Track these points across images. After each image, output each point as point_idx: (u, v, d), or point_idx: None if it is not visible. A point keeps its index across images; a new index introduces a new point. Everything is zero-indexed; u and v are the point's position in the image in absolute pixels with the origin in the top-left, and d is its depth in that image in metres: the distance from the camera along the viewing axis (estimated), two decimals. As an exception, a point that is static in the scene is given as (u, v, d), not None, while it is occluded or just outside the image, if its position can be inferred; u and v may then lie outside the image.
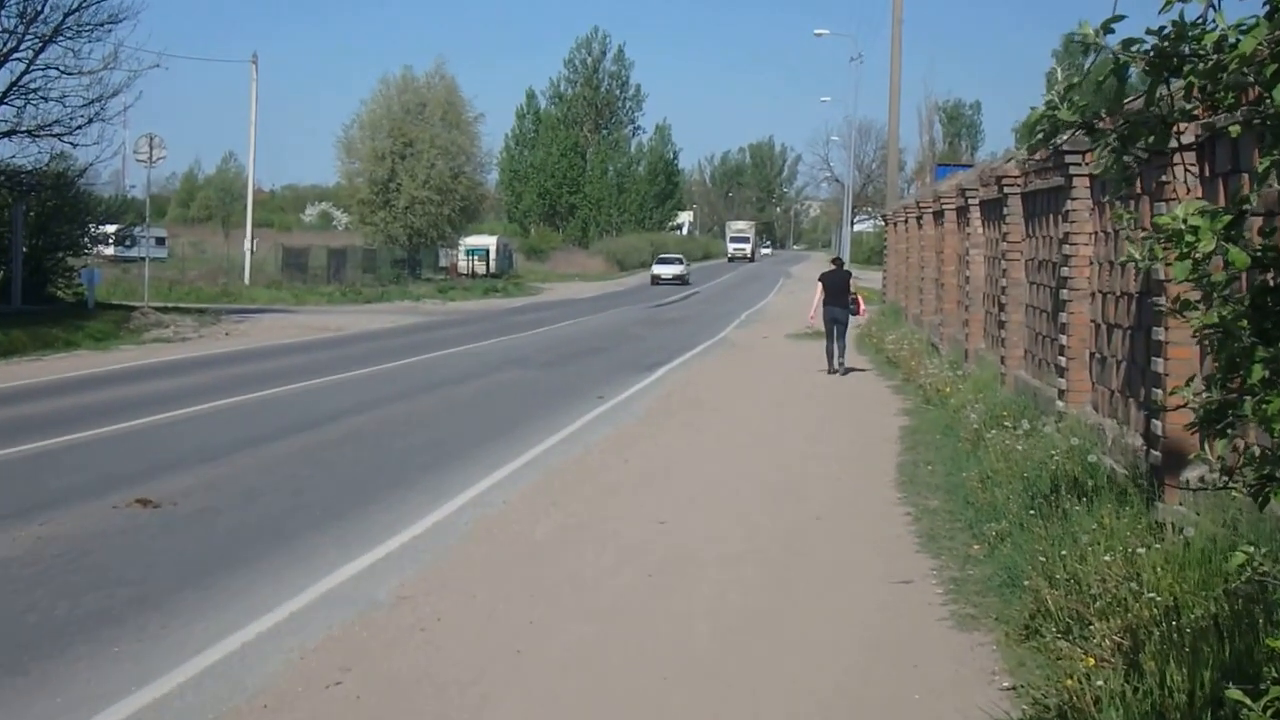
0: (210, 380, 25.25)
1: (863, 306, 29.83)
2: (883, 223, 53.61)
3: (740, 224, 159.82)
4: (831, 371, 27.45)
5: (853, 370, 28.10)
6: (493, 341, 36.19)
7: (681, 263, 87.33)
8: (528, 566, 11.04)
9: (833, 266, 29.07)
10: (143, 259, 47.45)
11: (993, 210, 20.76)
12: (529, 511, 13.28)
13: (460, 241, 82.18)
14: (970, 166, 34.29)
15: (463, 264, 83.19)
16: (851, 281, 28.71)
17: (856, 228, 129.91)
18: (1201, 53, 4.23)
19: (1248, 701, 4.57)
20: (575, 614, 9.64)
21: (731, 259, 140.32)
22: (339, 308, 54.02)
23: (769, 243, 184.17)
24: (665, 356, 31.48)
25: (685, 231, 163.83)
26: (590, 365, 29.47)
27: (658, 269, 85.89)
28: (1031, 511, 10.69)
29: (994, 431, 14.56)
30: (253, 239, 65.18)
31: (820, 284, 28.66)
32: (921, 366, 23.89)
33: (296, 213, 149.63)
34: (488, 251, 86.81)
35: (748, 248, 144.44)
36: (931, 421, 19.19)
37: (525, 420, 20.06)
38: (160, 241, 79.93)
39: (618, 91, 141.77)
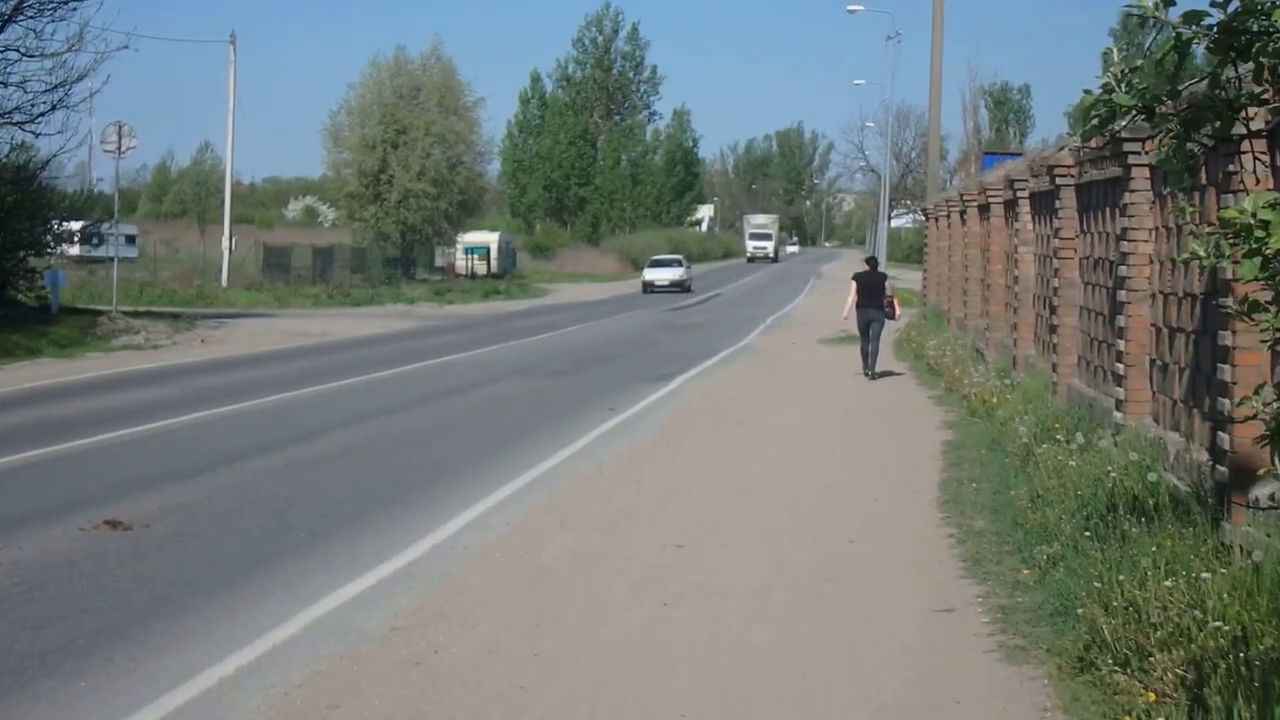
0: (184, 392, 25.32)
1: (898, 309, 30.75)
2: (923, 217, 53.43)
3: (761, 218, 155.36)
4: (867, 374, 28.48)
5: (888, 374, 28.97)
6: (494, 348, 36.30)
7: (681, 265, 78.28)
8: (533, 595, 11.05)
9: (867, 267, 30.11)
10: (111, 259, 47.61)
11: (1043, 203, 20.74)
12: (534, 534, 13.31)
13: (458, 239, 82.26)
14: (1019, 155, 34.10)
15: (461, 263, 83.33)
16: (887, 284, 29.59)
17: (894, 223, 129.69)
18: (1272, 30, 4.22)
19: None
20: (585, 648, 9.65)
21: (751, 259, 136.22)
22: (325, 311, 54.17)
23: (795, 239, 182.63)
24: (683, 365, 31.53)
25: (705, 227, 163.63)
26: (601, 374, 29.56)
27: (651, 274, 77.23)
28: (1086, 533, 10.68)
29: (1045, 446, 14.53)
30: (231, 237, 65.31)
31: (854, 284, 29.64)
32: (965, 375, 23.89)
33: (279, 208, 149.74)
34: (488, 250, 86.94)
35: (769, 245, 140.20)
36: (977, 435, 19.19)
37: (530, 435, 20.12)
38: (130, 240, 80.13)
39: (631, 74, 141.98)
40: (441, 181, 75.82)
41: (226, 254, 64.21)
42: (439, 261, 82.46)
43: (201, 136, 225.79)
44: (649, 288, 74.97)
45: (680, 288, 75.06)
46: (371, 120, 76.26)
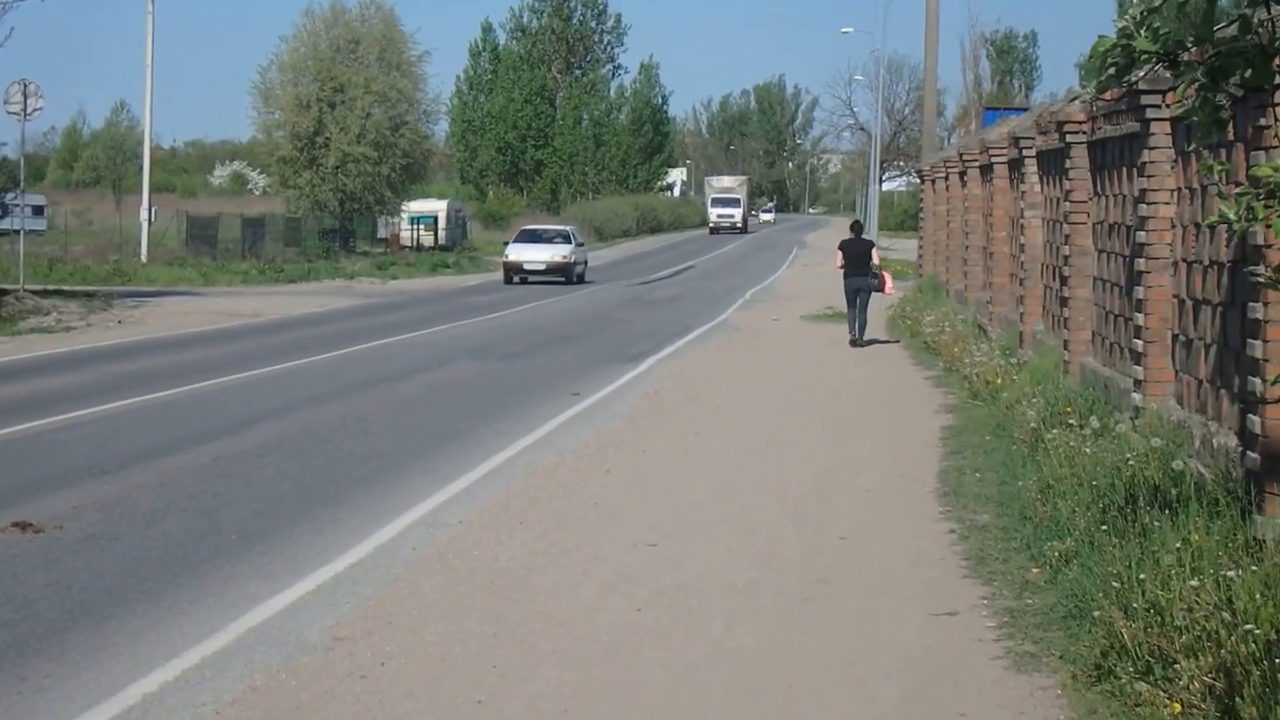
0: (101, 378, 25.25)
1: (889, 283, 32.64)
2: (918, 180, 53.67)
3: (725, 180, 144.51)
4: (854, 343, 30.66)
5: (875, 342, 31.23)
6: (444, 328, 36.35)
7: (567, 242, 59.44)
8: (490, 599, 11.05)
9: (852, 234, 32.35)
10: (17, 232, 47.35)
11: (1053, 163, 20.80)
12: (491, 533, 13.34)
13: (403, 207, 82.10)
14: (1025, 110, 34.38)
15: (406, 234, 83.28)
16: (874, 252, 31.94)
17: (886, 186, 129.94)
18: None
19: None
20: (548, 657, 9.65)
21: (715, 230, 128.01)
22: (256, 289, 54.03)
23: (771, 205, 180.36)
24: (654, 344, 31.67)
25: (677, 192, 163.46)
26: (563, 356, 29.64)
27: (518, 252, 58.47)
28: (1103, 527, 10.73)
29: (1056, 431, 14.60)
30: (150, 207, 65.07)
31: (840, 252, 31.87)
32: (967, 353, 23.94)
33: (203, 175, 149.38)
34: (436, 219, 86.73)
35: (736, 214, 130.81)
36: (980, 420, 19.29)
37: (485, 423, 20.20)
38: (38, 211, 79.78)
39: (593, 23, 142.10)
40: (383, 144, 75.64)
41: (146, 226, 63.95)
42: (381, 232, 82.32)
43: (116, 96, 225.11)
44: (513, 275, 57.80)
45: (564, 275, 57.60)
46: (306, 77, 76.09)
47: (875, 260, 31.70)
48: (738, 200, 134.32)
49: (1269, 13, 4.48)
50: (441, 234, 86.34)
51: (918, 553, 12.47)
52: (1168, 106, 13.65)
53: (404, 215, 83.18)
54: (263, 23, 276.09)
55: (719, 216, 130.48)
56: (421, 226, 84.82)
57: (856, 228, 33.04)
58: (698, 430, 19.57)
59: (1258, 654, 7.50)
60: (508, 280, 57.68)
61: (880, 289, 31.80)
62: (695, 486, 15.61)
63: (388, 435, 19.29)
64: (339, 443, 18.57)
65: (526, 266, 57.73)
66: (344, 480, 15.91)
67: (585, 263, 62.06)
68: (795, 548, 12.80)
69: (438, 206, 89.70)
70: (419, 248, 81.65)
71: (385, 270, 65.47)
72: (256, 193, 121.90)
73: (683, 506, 14.54)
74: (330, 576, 11.66)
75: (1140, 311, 14.27)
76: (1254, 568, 8.57)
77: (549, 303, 47.02)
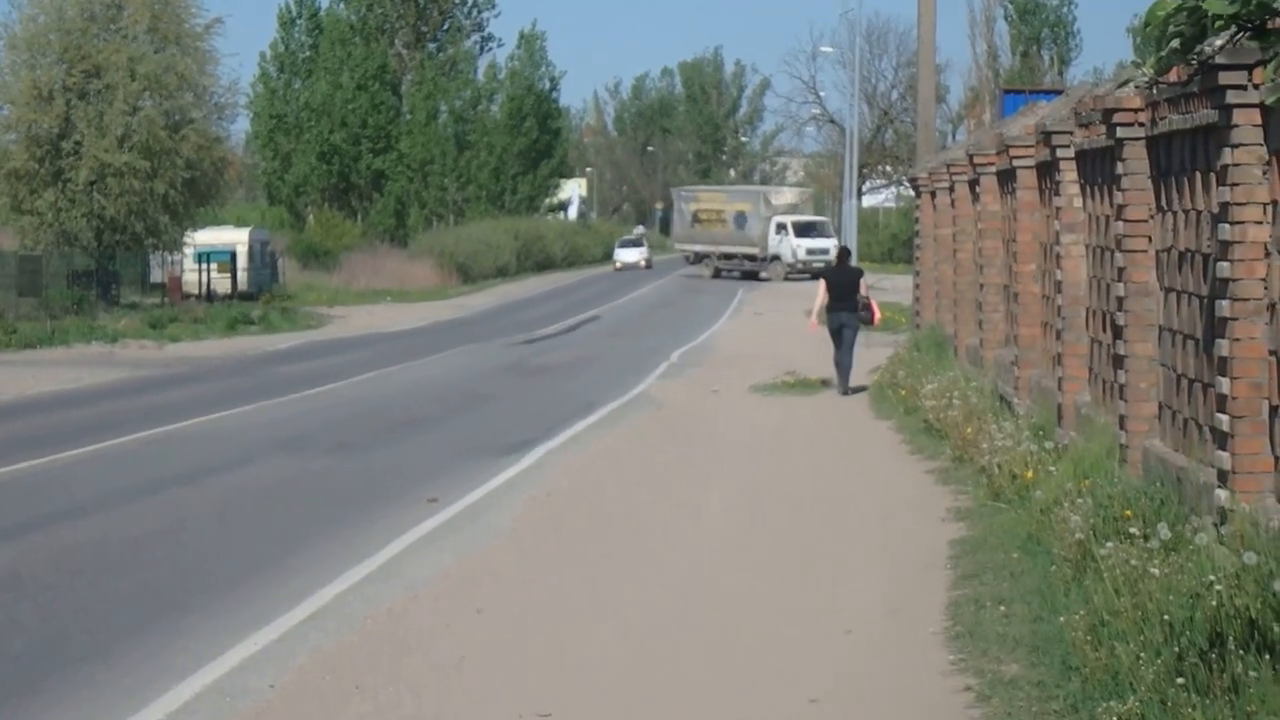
0: None
1: (876, 311, 36.83)
2: (911, 191, 53.62)
3: (788, 195, 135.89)
4: (840, 389, 34.93)
5: (862, 389, 34.94)
6: (247, 410, 36.17)
7: None
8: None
9: (837, 262, 37.04)
10: None
11: (1099, 168, 20.74)
12: (315, 704, 13.31)
13: (187, 240, 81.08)
14: (1059, 94, 34.10)
15: (191, 277, 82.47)
16: (863, 281, 35.76)
17: (868, 200, 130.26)
18: None
19: None
20: None
21: (619, 269, 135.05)
22: (-24, 358, 53.66)
23: (640, 232, 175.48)
24: (543, 429, 31.40)
25: (573, 213, 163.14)
26: (414, 447, 29.80)
27: None
28: (1179, 680, 10.73)
29: (1111, 544, 14.57)
30: None
31: (823, 282, 35.84)
32: (984, 436, 23.65)
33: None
34: (234, 256, 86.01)
35: (641, 254, 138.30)
36: (1003, 530, 19.17)
37: (303, 546, 20.28)
38: None
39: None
40: (157, 150, 74.37)
41: None
42: (157, 275, 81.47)
43: None
44: None
45: None
46: (46, 58, 75.24)
47: (864, 291, 35.43)
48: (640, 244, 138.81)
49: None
50: (242, 276, 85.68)
51: (919, 722, 12.29)
52: (1255, 88, 13.64)
53: (188, 251, 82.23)
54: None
55: (624, 258, 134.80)
56: (213, 266, 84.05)
57: (843, 254, 38.44)
58: (606, 551, 19.57)
59: None
60: None
61: (870, 321, 36.09)
62: (603, 633, 15.60)
63: (165, 565, 19.26)
64: (96, 577, 18.49)
65: None
66: (104, 629, 15.86)
67: None
68: (746, 718, 12.75)
69: (236, 238, 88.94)
70: (210, 296, 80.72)
71: (162, 329, 64.85)
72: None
73: (585, 662, 14.50)
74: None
75: (1225, 375, 14.20)
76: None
77: (399, 370, 47.06)
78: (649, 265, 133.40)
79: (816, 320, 36.33)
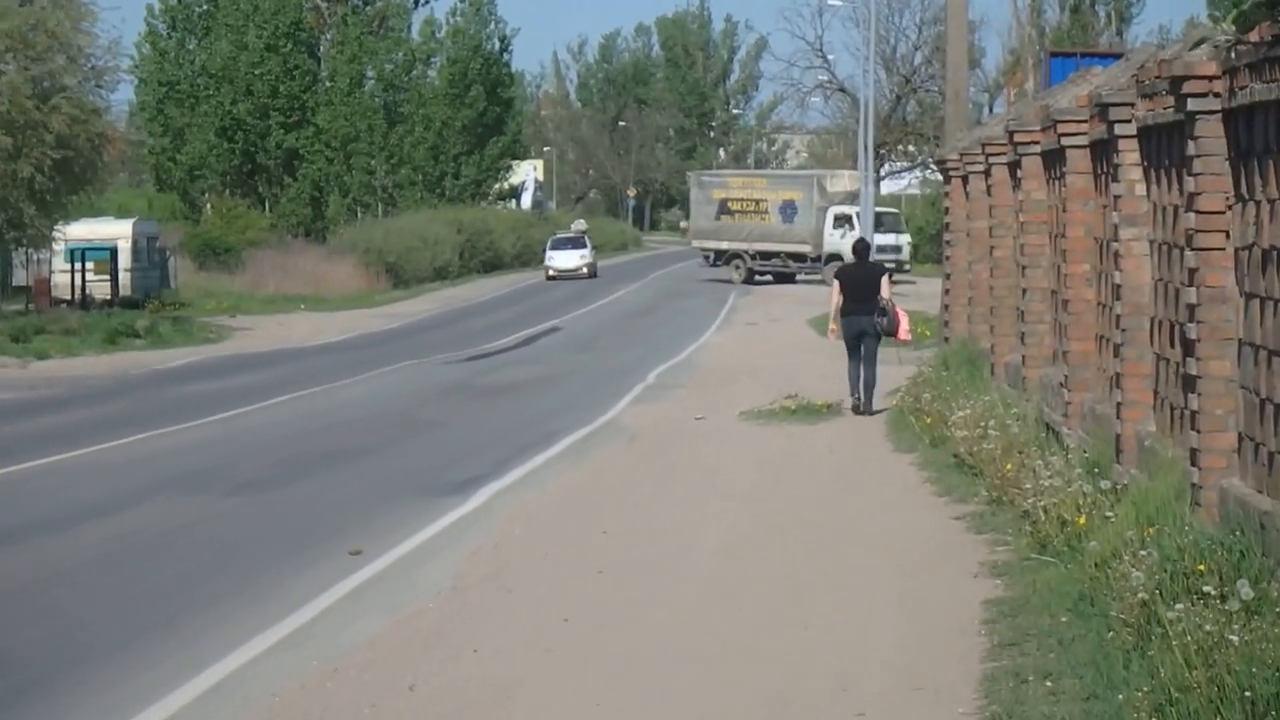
0: None
1: (904, 323, 34.52)
2: (939, 176, 53.90)
3: (845, 178, 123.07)
4: (857, 410, 33.93)
5: (885, 411, 33.81)
6: (134, 440, 36.15)
7: None
8: None
9: (855, 258, 35.62)
10: None
11: (1165, 148, 20.34)
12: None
13: (58, 234, 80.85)
14: (1117, 58, 34.79)
15: (62, 279, 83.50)
16: (885, 281, 34.05)
17: (886, 186, 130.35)
18: None
19: None
20: None
21: (552, 276, 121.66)
22: None
23: (582, 229, 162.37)
24: (493, 464, 31.24)
25: (528, 202, 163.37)
26: (336, 485, 29.84)
27: None
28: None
29: (1181, 606, 14.59)
30: None
31: (838, 283, 34.57)
32: (1027, 474, 23.41)
33: None
34: (114, 253, 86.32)
35: (582, 258, 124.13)
36: (1049, 588, 18.78)
37: (203, 605, 20.24)
38: None
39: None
40: (22, 125, 73.27)
41: None
42: (20, 277, 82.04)
43: None
44: None
45: None
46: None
47: (885, 294, 33.66)
48: (583, 243, 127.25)
49: None
50: (125, 279, 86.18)
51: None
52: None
53: (59, 248, 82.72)
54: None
55: (557, 263, 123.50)
56: (90, 266, 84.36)
57: (860, 249, 35.96)
58: (567, 614, 19.17)
59: None
60: None
61: (893, 332, 33.82)
62: (563, 717, 15.49)
63: (28, 629, 19.32)
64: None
65: None
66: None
67: None
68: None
69: (118, 232, 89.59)
70: (86, 303, 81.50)
71: (26, 343, 65.18)
72: None
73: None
74: None
75: (1321, 401, 13.59)
76: None
77: (312, 394, 47.27)
78: (593, 273, 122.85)
79: (835, 327, 35.13)
